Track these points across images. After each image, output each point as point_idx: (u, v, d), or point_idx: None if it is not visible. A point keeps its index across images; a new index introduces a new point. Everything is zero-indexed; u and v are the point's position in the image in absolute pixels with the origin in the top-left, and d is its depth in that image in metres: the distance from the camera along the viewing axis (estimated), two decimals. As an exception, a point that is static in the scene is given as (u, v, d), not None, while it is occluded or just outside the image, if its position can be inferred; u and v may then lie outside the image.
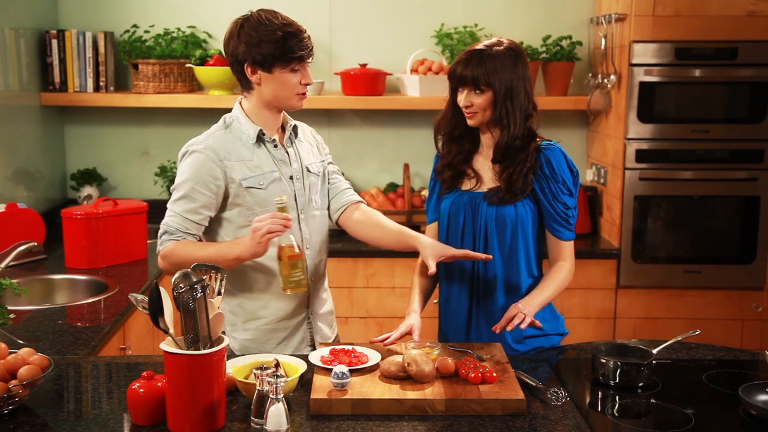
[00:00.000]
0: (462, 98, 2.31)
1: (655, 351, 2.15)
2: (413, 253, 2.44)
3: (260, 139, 2.34)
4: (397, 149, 4.36)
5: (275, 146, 2.37)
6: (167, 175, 4.21)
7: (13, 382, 1.89)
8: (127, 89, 4.24)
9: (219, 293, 1.91)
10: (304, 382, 2.04)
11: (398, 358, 2.06)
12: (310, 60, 2.31)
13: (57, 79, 4.04)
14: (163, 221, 2.30)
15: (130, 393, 1.84)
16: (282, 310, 2.40)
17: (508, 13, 4.24)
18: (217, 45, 4.18)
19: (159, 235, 2.30)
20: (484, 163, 2.41)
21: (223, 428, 1.82)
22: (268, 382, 1.72)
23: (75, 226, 3.29)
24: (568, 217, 2.38)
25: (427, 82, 4.00)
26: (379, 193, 4.22)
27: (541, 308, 2.33)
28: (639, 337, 3.82)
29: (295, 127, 2.44)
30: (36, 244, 2.96)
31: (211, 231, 2.35)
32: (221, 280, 1.91)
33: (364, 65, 4.12)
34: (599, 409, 2.04)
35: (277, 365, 1.91)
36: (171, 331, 1.81)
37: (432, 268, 2.25)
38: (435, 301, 2.55)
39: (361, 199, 2.56)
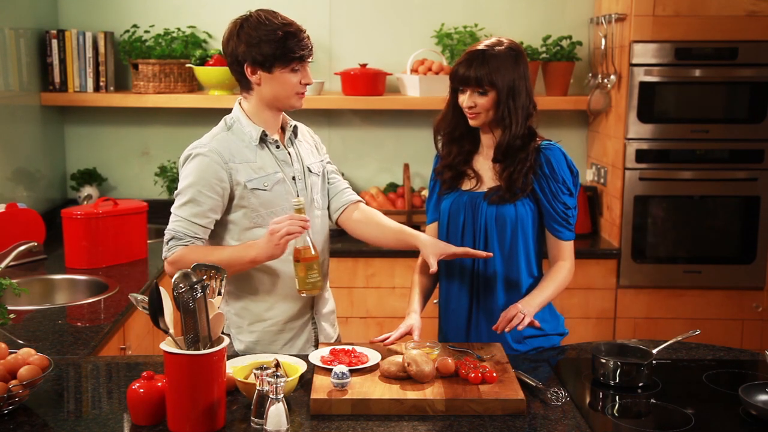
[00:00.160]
0: (465, 99, 2.31)
1: (655, 351, 2.15)
2: (413, 253, 2.44)
3: (263, 140, 2.34)
4: (397, 149, 4.36)
5: (277, 147, 2.36)
6: (167, 175, 4.21)
7: (13, 382, 1.89)
8: (127, 89, 4.24)
9: (219, 293, 1.91)
10: (304, 382, 2.04)
11: (398, 358, 2.06)
12: (310, 60, 2.31)
13: (57, 79, 4.04)
14: (169, 227, 2.28)
15: (130, 393, 1.84)
16: (287, 312, 2.40)
17: (508, 13, 4.24)
18: (217, 45, 4.18)
19: (165, 241, 2.28)
20: (484, 163, 2.41)
21: (223, 428, 1.82)
22: (268, 382, 1.72)
23: (75, 226, 3.29)
24: (568, 216, 2.38)
25: (427, 82, 4.00)
26: (379, 193, 4.22)
27: (540, 308, 2.33)
28: (639, 337, 3.82)
29: (295, 128, 2.44)
30: (36, 244, 2.96)
31: (214, 234, 2.34)
32: (221, 280, 1.91)
33: (364, 65, 4.12)
34: (599, 409, 2.04)
35: (277, 365, 1.91)
36: (171, 331, 1.81)
37: (433, 267, 2.25)
38: (435, 301, 2.55)
39: (360, 198, 2.56)
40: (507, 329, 2.24)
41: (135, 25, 4.17)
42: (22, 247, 2.89)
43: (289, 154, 2.39)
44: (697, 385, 2.13)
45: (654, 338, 3.34)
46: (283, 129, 2.43)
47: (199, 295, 1.79)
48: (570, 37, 4.16)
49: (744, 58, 3.72)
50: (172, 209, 2.30)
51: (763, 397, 1.96)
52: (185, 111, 4.22)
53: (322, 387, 1.97)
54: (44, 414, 1.91)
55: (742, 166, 3.81)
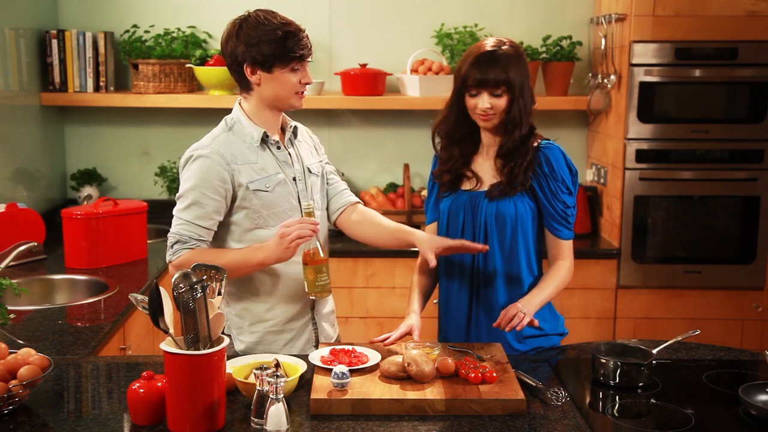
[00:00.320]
0: (481, 101, 2.28)
1: (655, 351, 2.15)
2: (413, 253, 2.44)
3: (264, 141, 2.34)
4: (397, 149, 4.36)
5: (278, 148, 2.36)
6: (167, 175, 4.21)
7: (13, 382, 1.89)
8: (127, 89, 4.24)
9: (219, 293, 1.91)
10: (304, 382, 2.04)
11: (398, 358, 2.06)
12: (309, 59, 2.31)
13: (57, 79, 4.04)
14: (173, 230, 2.28)
15: (130, 393, 1.84)
16: (288, 312, 2.40)
17: (508, 13, 4.24)
18: (217, 45, 4.17)
19: (170, 244, 2.27)
20: (483, 163, 2.41)
21: (223, 428, 1.82)
22: (268, 382, 1.72)
23: (75, 226, 3.29)
24: (568, 216, 2.39)
25: (427, 82, 4.00)
26: (379, 193, 4.22)
27: (540, 307, 2.33)
28: (639, 337, 3.82)
29: (295, 128, 2.44)
30: (36, 244, 2.96)
31: (215, 236, 2.34)
32: (221, 281, 1.91)
33: (364, 65, 4.12)
34: (599, 409, 2.04)
35: (277, 365, 1.91)
36: (171, 331, 1.81)
37: (432, 262, 2.25)
38: (435, 301, 2.55)
39: (358, 199, 2.56)
40: (507, 329, 2.24)
41: (135, 25, 4.17)
42: (22, 247, 2.89)
43: (290, 154, 2.39)
44: (697, 385, 2.13)
45: (654, 338, 3.34)
46: (283, 129, 2.43)
47: (199, 295, 1.79)
48: (570, 37, 4.16)
49: (744, 58, 3.72)
50: (175, 212, 2.29)
51: (763, 397, 1.96)
52: (185, 111, 4.22)
53: (322, 387, 1.97)
54: (44, 414, 1.91)
55: (742, 166, 3.81)
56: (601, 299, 3.88)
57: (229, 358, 2.05)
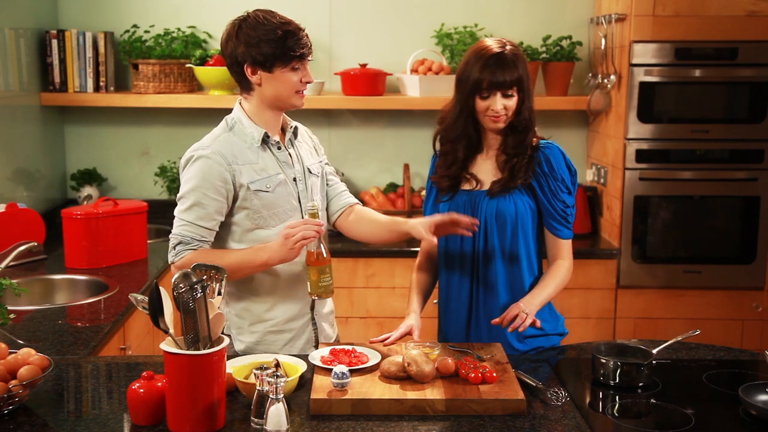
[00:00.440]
0: (494, 103, 2.28)
1: (655, 351, 2.15)
2: (413, 253, 2.44)
3: (264, 141, 2.34)
4: (397, 149, 4.36)
5: (279, 148, 2.36)
6: (167, 175, 4.21)
7: (13, 382, 1.89)
8: (127, 89, 4.24)
9: (219, 293, 1.91)
10: (304, 382, 2.04)
11: (398, 358, 2.06)
12: (310, 58, 2.31)
13: (57, 79, 4.04)
14: (175, 231, 2.27)
15: (130, 393, 1.84)
16: (288, 312, 2.40)
17: (508, 13, 4.24)
18: (217, 45, 4.17)
19: (172, 245, 2.26)
20: (484, 164, 2.41)
21: (223, 428, 1.82)
22: (268, 382, 1.72)
23: (75, 226, 3.29)
24: (567, 215, 2.39)
25: (427, 82, 4.00)
26: (379, 193, 4.22)
27: (541, 307, 2.34)
28: (639, 337, 3.82)
29: (295, 129, 2.44)
30: (36, 244, 2.96)
31: (216, 236, 2.34)
32: (221, 281, 1.91)
33: (364, 65, 4.12)
34: (599, 409, 2.04)
35: (277, 365, 1.91)
36: (171, 331, 1.81)
37: (433, 240, 2.23)
38: (435, 301, 2.55)
39: (356, 201, 2.57)
40: (509, 329, 2.23)
41: (135, 25, 4.17)
42: (22, 247, 2.88)
43: (290, 155, 2.39)
44: (697, 385, 2.13)
45: (654, 338, 3.34)
46: (283, 130, 2.43)
47: (199, 295, 1.79)
48: (570, 37, 4.16)
49: (744, 58, 3.72)
50: (176, 213, 2.29)
51: (763, 397, 1.96)
52: (185, 111, 4.22)
53: (322, 387, 1.97)
54: (44, 414, 1.91)
55: (742, 166, 3.81)
56: (601, 299, 3.88)
57: (229, 358, 2.05)
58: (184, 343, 1.80)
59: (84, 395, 2.09)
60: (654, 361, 2.12)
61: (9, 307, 2.34)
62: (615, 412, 2.01)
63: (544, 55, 4.15)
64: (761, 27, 3.68)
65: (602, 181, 4.10)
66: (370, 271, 3.84)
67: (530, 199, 2.38)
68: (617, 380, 2.09)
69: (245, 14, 2.29)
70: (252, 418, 1.81)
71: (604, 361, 2.11)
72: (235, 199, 2.29)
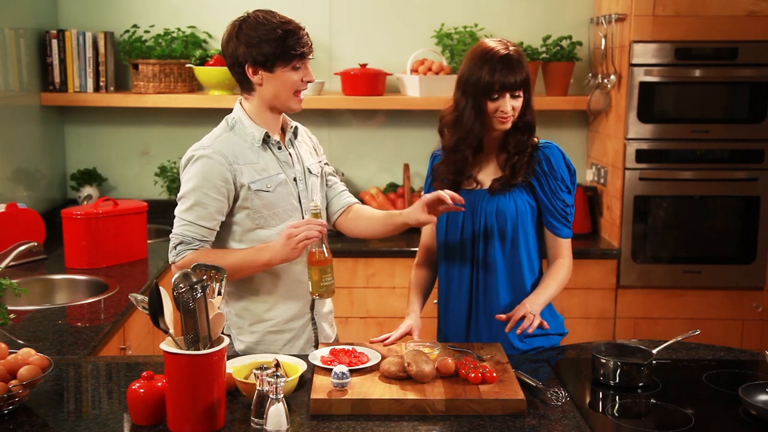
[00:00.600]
0: (503, 104, 2.28)
1: (655, 351, 2.15)
2: (413, 253, 2.44)
3: (265, 141, 2.34)
4: (397, 149, 4.36)
5: (279, 148, 2.36)
6: (167, 175, 4.21)
7: (13, 382, 1.89)
8: (127, 89, 4.24)
9: (219, 293, 1.91)
10: (304, 382, 2.04)
11: (398, 358, 2.06)
12: (310, 57, 2.31)
13: (57, 79, 4.04)
14: (176, 231, 2.27)
15: (130, 393, 1.84)
16: (288, 312, 2.40)
17: (508, 13, 4.24)
18: (217, 45, 4.17)
19: (173, 245, 2.26)
20: (483, 164, 2.41)
21: (223, 428, 1.82)
22: (268, 382, 1.72)
23: (75, 226, 3.29)
24: (567, 214, 2.40)
25: (427, 82, 4.00)
26: (379, 193, 4.22)
27: (544, 306, 2.34)
28: (639, 337, 3.82)
29: (295, 129, 2.45)
30: (36, 244, 2.95)
31: (216, 236, 2.34)
32: (221, 281, 1.91)
33: (364, 65, 4.12)
34: (599, 409, 2.04)
35: (277, 365, 1.91)
36: (171, 331, 1.81)
37: (432, 219, 2.25)
38: (435, 301, 2.55)
39: (356, 200, 2.58)
40: (518, 331, 2.23)
41: (135, 25, 4.17)
42: (22, 247, 2.88)
43: (290, 155, 2.40)
44: (697, 385, 2.13)
45: (654, 338, 3.34)
46: (283, 130, 2.43)
47: (199, 295, 1.79)
48: (570, 37, 4.16)
49: (744, 58, 3.72)
50: (177, 213, 2.29)
51: (763, 397, 1.96)
52: (185, 111, 4.22)
53: (322, 387, 1.97)
54: (44, 414, 1.91)
55: (742, 166, 3.81)
56: (601, 299, 3.87)
57: (229, 358, 2.05)
58: (184, 343, 1.80)
59: (84, 395, 2.09)
60: (654, 361, 2.12)
61: (9, 307, 2.34)
62: (615, 412, 2.01)
63: (544, 55, 4.15)
64: (761, 27, 3.68)
65: (602, 181, 4.10)
66: (370, 271, 3.84)
67: (530, 198, 2.38)
68: (617, 380, 2.09)
69: (245, 15, 2.29)
70: (252, 418, 1.81)
71: (604, 361, 2.11)
72: (235, 198, 2.29)
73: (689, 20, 3.68)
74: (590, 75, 4.17)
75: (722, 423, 1.95)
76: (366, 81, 4.05)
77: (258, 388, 1.80)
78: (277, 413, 1.71)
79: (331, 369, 1.98)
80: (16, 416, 1.88)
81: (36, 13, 3.99)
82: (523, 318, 2.23)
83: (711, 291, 3.87)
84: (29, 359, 1.95)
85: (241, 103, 2.37)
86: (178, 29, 4.19)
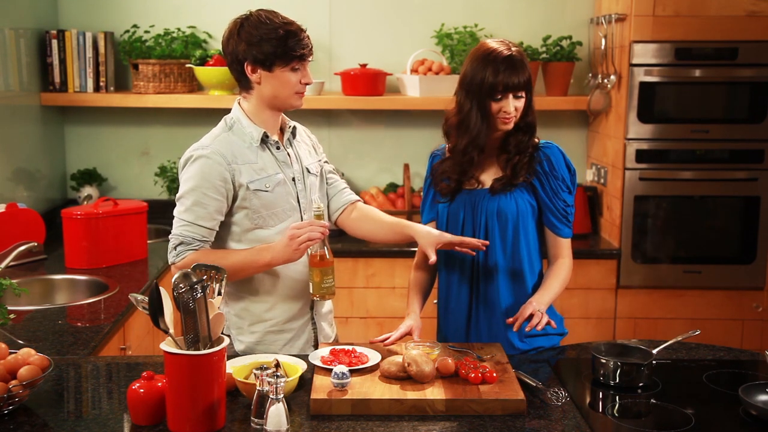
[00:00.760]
0: (506, 105, 2.28)
1: (655, 351, 2.15)
2: (413, 253, 2.44)
3: (264, 141, 2.34)
4: (397, 149, 4.36)
5: (277, 148, 2.36)
6: (167, 175, 4.21)
7: (13, 382, 1.89)
8: (127, 89, 4.24)
9: (219, 293, 1.91)
10: (304, 382, 2.04)
11: (398, 359, 2.06)
12: (310, 59, 2.31)
13: (57, 79, 4.04)
14: (175, 232, 2.27)
15: (130, 393, 1.84)
16: (287, 312, 2.40)
17: (508, 13, 4.24)
18: (217, 45, 4.18)
19: (173, 246, 2.26)
20: (484, 164, 2.41)
21: (223, 428, 1.82)
22: (268, 382, 1.72)
23: (75, 226, 3.29)
24: (568, 214, 2.40)
25: (427, 82, 4.00)
26: (379, 193, 4.22)
27: (548, 306, 2.34)
28: (639, 337, 3.82)
29: (293, 128, 2.45)
30: (36, 244, 2.96)
31: (215, 236, 2.34)
32: (221, 281, 1.91)
33: (364, 65, 4.12)
34: (599, 409, 2.04)
35: (277, 365, 1.91)
36: (171, 331, 1.81)
37: (432, 257, 2.25)
38: (435, 301, 2.55)
39: (358, 198, 2.57)
40: (527, 329, 2.23)
41: (135, 25, 4.17)
42: (22, 247, 2.88)
43: (289, 155, 2.39)
44: (697, 385, 2.13)
45: (654, 338, 3.34)
46: (282, 130, 2.43)
47: (199, 295, 1.79)
48: (570, 37, 4.16)
49: (744, 58, 3.72)
50: (176, 213, 2.29)
51: (763, 397, 1.96)
52: (185, 111, 4.22)
53: (322, 387, 1.97)
54: (44, 414, 1.91)
55: (742, 166, 3.81)
56: (601, 299, 3.88)
57: (228, 358, 2.05)
58: (184, 343, 1.80)
59: (84, 395, 2.09)
60: (654, 361, 2.12)
61: (9, 307, 2.34)
62: (615, 412, 2.01)
63: (544, 55, 4.15)
64: (761, 27, 3.68)
65: (602, 181, 4.10)
66: (370, 271, 3.84)
67: (531, 198, 2.38)
68: (617, 380, 2.09)
69: (247, 13, 2.30)
70: (252, 418, 1.81)
71: (604, 361, 2.11)
72: (234, 198, 2.29)
73: (689, 20, 3.68)
74: (590, 75, 4.17)
75: (722, 423, 1.94)
76: (366, 81, 4.05)
77: (258, 388, 1.80)
78: (277, 413, 1.71)
79: (331, 369, 1.98)
80: (16, 416, 1.88)
81: (36, 13, 3.99)
82: (531, 316, 2.23)
83: (711, 291, 3.87)
84: (29, 359, 1.95)
85: (239, 103, 2.37)
86: (178, 29, 4.19)
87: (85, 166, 4.30)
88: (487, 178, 2.40)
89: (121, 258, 3.37)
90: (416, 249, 2.48)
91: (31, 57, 3.92)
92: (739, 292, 3.87)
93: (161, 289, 1.80)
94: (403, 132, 4.35)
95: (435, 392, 1.95)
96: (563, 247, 2.43)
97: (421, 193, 4.18)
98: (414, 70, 4.10)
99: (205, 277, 1.85)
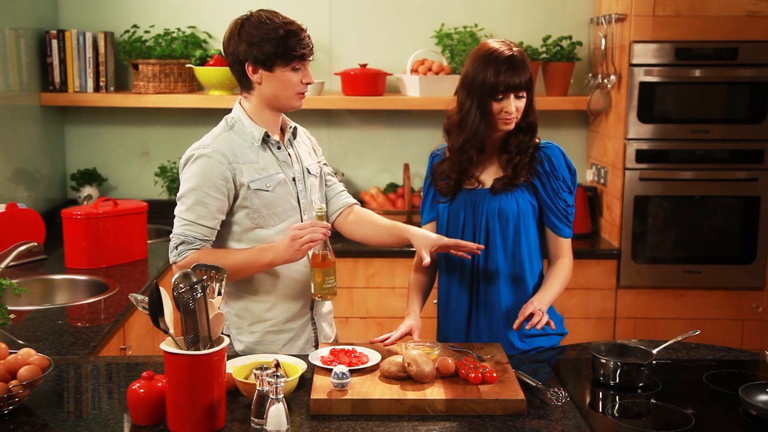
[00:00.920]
0: (508, 105, 2.28)
1: (655, 351, 2.15)
2: (413, 253, 2.44)
3: (265, 140, 2.34)
4: (397, 149, 4.36)
5: (278, 148, 2.37)
6: (167, 175, 4.21)
7: (13, 382, 1.89)
8: (127, 89, 4.24)
9: (219, 293, 1.91)
10: (304, 382, 2.04)
11: (398, 359, 2.06)
12: (310, 59, 2.32)
13: (57, 79, 4.04)
14: (176, 231, 2.27)
15: (130, 393, 1.84)
16: (287, 312, 2.40)
17: (508, 13, 4.24)
18: (217, 45, 4.18)
19: (174, 245, 2.26)
20: (485, 164, 2.41)
21: (223, 428, 1.82)
22: (268, 382, 1.72)
23: (75, 226, 3.29)
24: (568, 214, 2.41)
25: (427, 82, 4.00)
26: (379, 193, 4.22)
27: (549, 306, 2.34)
28: (639, 337, 3.82)
29: (294, 129, 2.45)
30: (36, 244, 2.95)
31: (216, 235, 2.34)
32: (221, 281, 1.91)
33: (364, 65, 4.12)
34: (599, 409, 2.04)
35: (277, 365, 1.91)
36: (171, 331, 1.81)
37: (426, 259, 2.26)
38: (435, 301, 2.55)
39: (355, 201, 2.57)
40: (527, 326, 2.23)
41: (135, 25, 4.17)
42: (22, 247, 2.88)
43: (289, 155, 2.40)
44: (697, 385, 2.13)
45: (654, 338, 3.34)
46: (282, 130, 2.43)
47: (199, 295, 1.79)
48: (570, 37, 4.16)
49: (744, 58, 3.72)
50: (177, 213, 2.29)
51: (763, 397, 1.96)
52: (185, 111, 4.22)
53: (322, 387, 1.97)
54: (44, 414, 1.91)
55: (742, 166, 3.81)
56: (601, 299, 3.88)
57: (228, 358, 2.05)
58: (184, 343, 1.80)
59: (84, 395, 2.09)
60: (654, 361, 2.12)
61: (9, 307, 2.33)
62: (615, 412, 2.01)
63: (544, 55, 4.15)
64: (761, 27, 3.68)
65: (602, 181, 4.10)
66: (370, 271, 3.84)
67: (532, 198, 2.38)
68: (617, 380, 2.09)
69: (248, 13, 2.30)
70: (252, 418, 1.81)
71: (604, 361, 2.11)
72: (235, 198, 2.29)
73: (689, 20, 3.68)
74: (590, 75, 4.17)
75: (722, 423, 1.94)
76: (366, 81, 4.05)
77: (258, 388, 1.80)
78: (277, 413, 1.71)
79: (331, 369, 1.98)
80: (16, 416, 1.88)
81: (36, 13, 3.99)
82: (531, 315, 2.23)
83: (711, 291, 3.87)
84: (29, 359, 1.95)
85: (240, 102, 2.38)
86: (178, 29, 4.19)
87: (85, 166, 4.31)
88: (488, 178, 2.40)
89: (121, 258, 3.37)
90: (416, 249, 2.48)
91: (31, 57, 3.92)
92: (739, 292, 3.87)
93: (161, 289, 1.80)
94: (403, 132, 4.35)
95: (435, 392, 1.95)
96: (564, 247, 2.43)
97: (421, 193, 4.18)
98: (414, 70, 4.10)
99: (205, 277, 1.85)
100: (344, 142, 4.35)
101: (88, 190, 4.20)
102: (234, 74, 2.34)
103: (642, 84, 3.75)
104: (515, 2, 4.24)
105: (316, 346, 2.42)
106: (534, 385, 2.04)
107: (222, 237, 2.34)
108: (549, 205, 2.38)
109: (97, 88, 4.08)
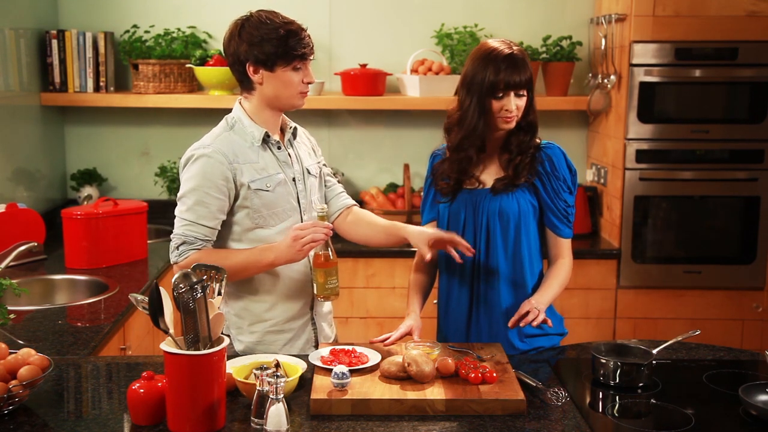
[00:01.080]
0: (508, 104, 2.29)
1: (655, 351, 2.15)
2: (413, 253, 2.44)
3: (265, 140, 2.34)
4: (396, 149, 4.36)
5: (278, 148, 2.37)
6: (167, 175, 4.21)
7: (13, 382, 1.89)
8: (127, 89, 4.24)
9: (219, 293, 1.91)
10: (304, 382, 2.04)
11: (398, 359, 2.06)
12: (311, 58, 2.32)
13: (57, 79, 4.04)
14: (177, 232, 2.27)
15: (130, 393, 1.84)
16: (287, 312, 2.40)
17: (508, 13, 4.24)
18: (217, 45, 4.18)
19: (175, 246, 2.26)
20: (485, 164, 2.41)
21: (223, 428, 1.82)
22: (268, 382, 1.72)
23: (75, 226, 3.29)
24: (569, 214, 2.41)
25: (427, 82, 4.00)
26: (379, 193, 4.22)
27: (547, 306, 2.34)
28: (639, 337, 3.82)
29: (294, 129, 2.45)
30: (36, 244, 2.96)
31: (217, 235, 2.34)
32: (221, 281, 1.91)
33: (364, 65, 4.12)
34: (599, 409, 2.04)
35: (277, 365, 1.91)
36: (171, 331, 1.81)
37: (427, 255, 2.26)
38: (435, 301, 2.55)
39: (354, 202, 2.58)
40: (522, 324, 2.23)
41: (135, 25, 4.17)
42: (22, 247, 2.88)
43: (290, 155, 2.40)
44: (697, 385, 2.13)
45: (654, 338, 3.34)
46: (282, 130, 2.43)
47: (199, 295, 1.79)
48: (570, 37, 4.16)
49: (744, 58, 3.72)
50: (177, 213, 2.29)
51: (763, 397, 1.96)
52: (185, 111, 4.22)
53: (322, 387, 1.97)
54: (44, 414, 1.91)
55: (742, 166, 3.81)
56: (601, 299, 3.88)
57: (228, 358, 2.05)
58: (184, 343, 1.80)
59: (84, 395, 2.09)
60: (654, 361, 2.12)
61: (9, 307, 2.33)
62: (615, 412, 2.01)
63: (544, 55, 4.15)
64: (761, 27, 3.68)
65: (602, 181, 4.10)
66: (370, 271, 3.85)
67: (533, 198, 2.38)
68: (617, 380, 2.09)
69: (248, 14, 2.30)
70: (252, 418, 1.81)
71: (604, 361, 2.11)
72: (235, 197, 2.29)
73: (689, 20, 3.68)
74: (590, 75, 4.17)
75: (722, 423, 1.94)
76: (366, 81, 4.05)
77: (258, 388, 1.80)
78: (277, 413, 1.71)
79: (331, 369, 1.99)
80: (16, 416, 1.88)
81: (36, 13, 3.99)
82: (527, 313, 2.24)
83: (711, 291, 3.87)
84: (29, 359, 1.95)
85: (240, 102, 2.38)
86: (178, 29, 4.19)
87: (85, 166, 4.31)
88: (489, 177, 2.40)
89: (121, 258, 3.37)
90: (415, 249, 2.48)
91: (31, 57, 3.92)
92: (739, 292, 3.87)
93: (161, 289, 1.80)
94: (403, 132, 4.35)
95: (435, 392, 1.95)
96: (564, 247, 2.43)
97: (421, 193, 4.19)
98: (414, 70, 4.10)
99: (205, 277, 1.85)
100: (344, 142, 4.35)
101: (88, 190, 4.20)
102: (235, 75, 2.34)
103: (642, 84, 3.75)
104: (515, 2, 4.24)
105: (316, 346, 2.42)
106: (534, 385, 2.04)
107: (222, 237, 2.34)
108: (549, 205, 2.38)
109: (97, 88, 4.08)
